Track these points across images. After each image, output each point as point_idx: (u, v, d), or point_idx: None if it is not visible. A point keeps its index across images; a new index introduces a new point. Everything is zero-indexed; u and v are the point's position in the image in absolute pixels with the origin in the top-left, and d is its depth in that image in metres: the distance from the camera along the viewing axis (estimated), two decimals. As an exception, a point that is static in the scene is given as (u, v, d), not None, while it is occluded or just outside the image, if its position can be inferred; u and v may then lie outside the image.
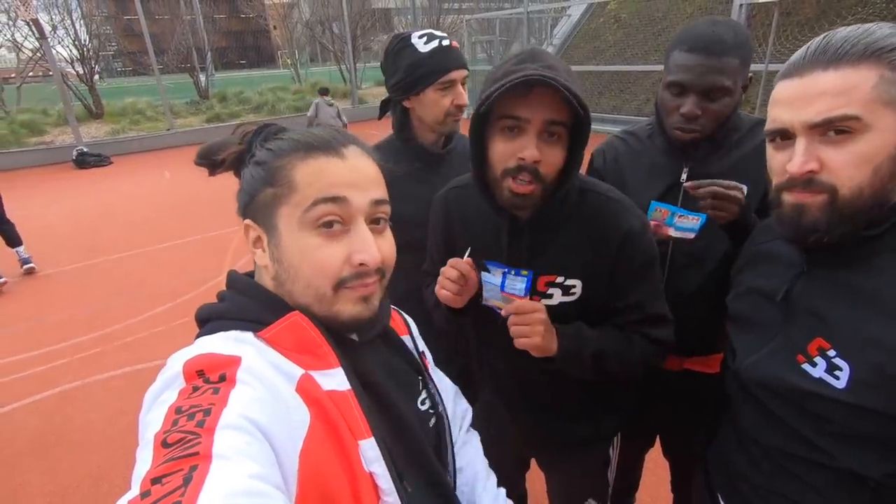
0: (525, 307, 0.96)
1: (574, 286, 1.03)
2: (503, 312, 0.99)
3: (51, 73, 11.10)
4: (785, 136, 0.74)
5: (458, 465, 0.86)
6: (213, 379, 0.54)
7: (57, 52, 13.19)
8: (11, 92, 14.50)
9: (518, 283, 0.97)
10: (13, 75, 15.56)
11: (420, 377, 0.81)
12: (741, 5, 6.46)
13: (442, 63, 1.34)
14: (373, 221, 0.67)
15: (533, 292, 1.03)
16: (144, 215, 6.72)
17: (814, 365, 0.73)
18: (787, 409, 0.78)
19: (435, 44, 1.34)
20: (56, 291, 4.57)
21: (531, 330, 0.95)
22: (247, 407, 0.51)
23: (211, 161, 0.72)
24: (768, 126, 0.76)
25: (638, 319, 1.04)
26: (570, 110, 0.88)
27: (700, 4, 9.96)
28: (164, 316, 3.98)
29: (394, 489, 0.61)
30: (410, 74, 1.36)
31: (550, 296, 1.04)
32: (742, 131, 1.21)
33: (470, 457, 0.91)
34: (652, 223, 1.11)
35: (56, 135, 12.17)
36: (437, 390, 0.82)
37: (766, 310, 0.85)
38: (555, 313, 1.00)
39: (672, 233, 1.11)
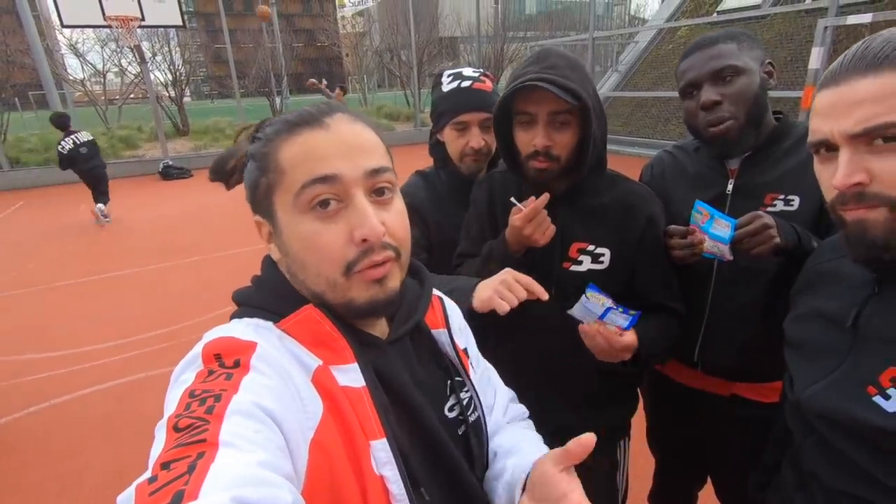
0: (619, 343, 1.01)
1: (603, 255, 1.13)
2: (580, 328, 1.05)
3: (147, 95, 12.30)
4: (829, 148, 0.68)
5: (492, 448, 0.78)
6: (228, 364, 0.54)
7: (155, 76, 14.64)
8: (113, 111, 16.20)
9: (620, 320, 1.04)
10: (117, 97, 17.42)
11: (449, 381, 0.74)
12: (826, 28, 6.07)
13: (455, 104, 1.34)
14: (375, 192, 0.61)
15: (564, 259, 1.15)
16: (216, 224, 7.18)
17: (887, 398, 0.66)
18: (855, 446, 0.70)
19: (455, 84, 1.34)
20: (134, 289, 4.95)
21: (607, 355, 1.04)
22: (258, 394, 0.50)
23: (223, 173, 0.69)
24: (810, 138, 0.71)
25: (665, 295, 1.16)
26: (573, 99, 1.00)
27: (779, 29, 9.49)
28: (226, 317, 4.19)
29: (405, 495, 0.57)
30: (434, 111, 1.41)
31: (580, 262, 1.14)
32: (793, 139, 1.14)
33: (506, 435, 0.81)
34: (690, 227, 1.08)
35: (147, 149, 13.35)
36: (476, 394, 0.76)
37: (829, 334, 0.77)
38: (581, 281, 1.11)
39: (707, 243, 1.05)
